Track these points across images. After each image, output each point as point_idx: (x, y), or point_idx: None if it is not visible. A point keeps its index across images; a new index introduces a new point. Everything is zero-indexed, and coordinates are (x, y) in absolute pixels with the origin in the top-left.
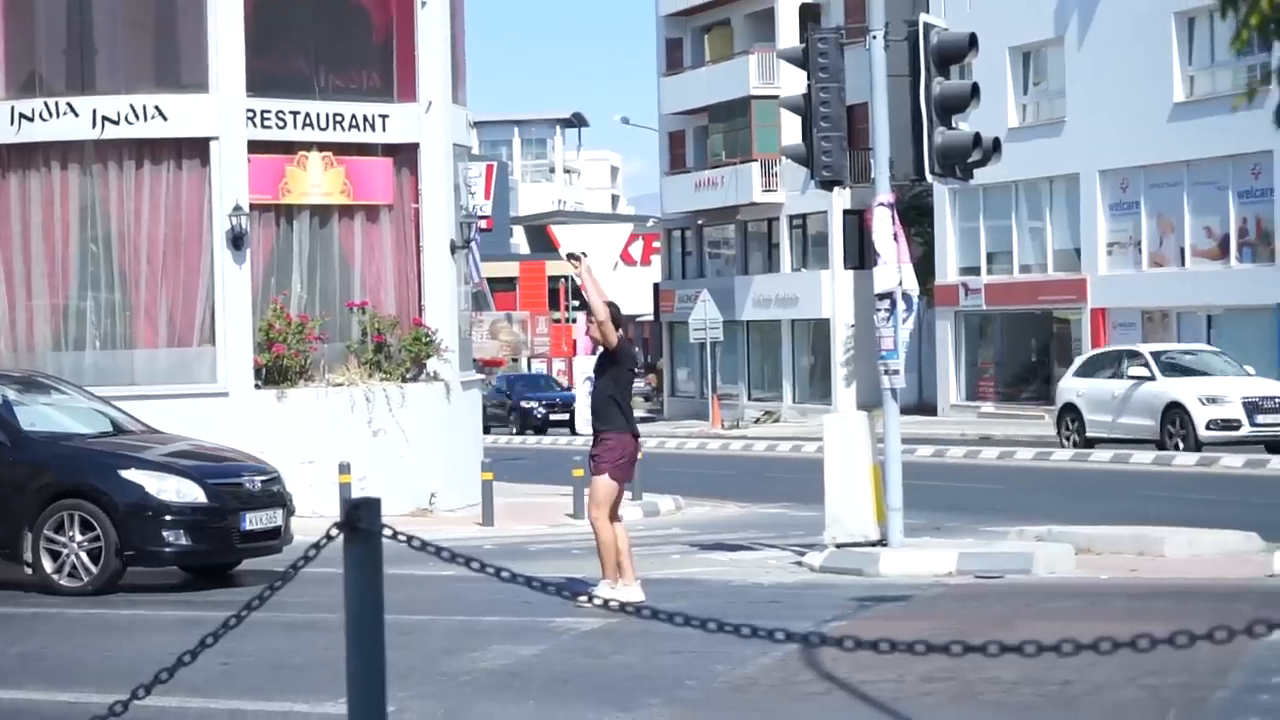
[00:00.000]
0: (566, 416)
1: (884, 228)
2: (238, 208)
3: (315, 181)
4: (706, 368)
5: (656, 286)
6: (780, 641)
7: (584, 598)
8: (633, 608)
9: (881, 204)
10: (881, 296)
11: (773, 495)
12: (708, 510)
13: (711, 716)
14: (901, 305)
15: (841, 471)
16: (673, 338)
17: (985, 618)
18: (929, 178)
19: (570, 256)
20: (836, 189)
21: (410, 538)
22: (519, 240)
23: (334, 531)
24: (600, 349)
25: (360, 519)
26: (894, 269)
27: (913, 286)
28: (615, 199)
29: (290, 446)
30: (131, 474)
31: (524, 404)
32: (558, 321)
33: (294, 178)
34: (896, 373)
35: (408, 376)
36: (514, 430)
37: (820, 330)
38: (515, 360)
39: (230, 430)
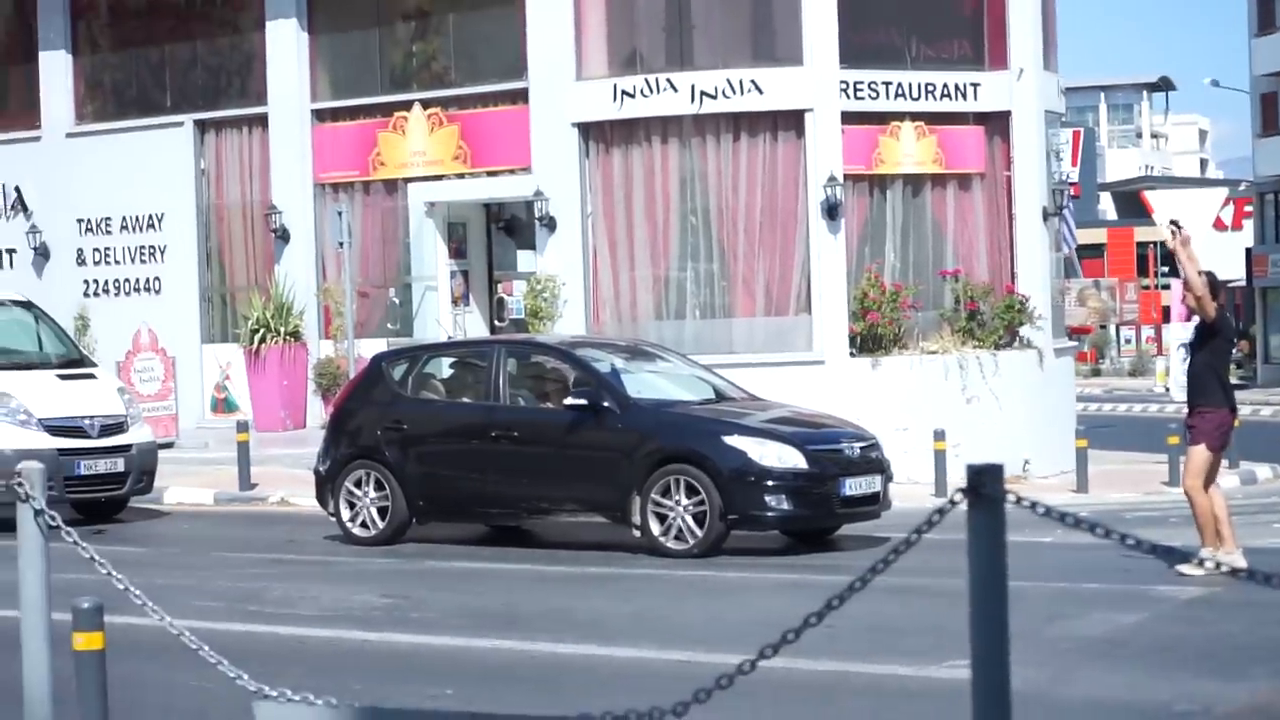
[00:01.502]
0: None
1: None
2: (832, 178)
3: (908, 151)
4: None
5: (1249, 251)
6: None
7: (1188, 565)
8: (1243, 572)
9: None
10: None
11: None
12: None
13: None
14: None
15: None
16: (1265, 303)
17: None
18: None
19: (1172, 223)
20: None
21: (1034, 503)
22: (1106, 206)
23: (958, 497)
24: (1197, 319)
25: (984, 484)
26: None
27: None
28: (1204, 163)
29: (884, 413)
30: (734, 440)
31: None
32: (1146, 288)
33: (887, 147)
34: None
35: (1000, 344)
36: None
37: None
38: (1104, 328)
39: (826, 397)
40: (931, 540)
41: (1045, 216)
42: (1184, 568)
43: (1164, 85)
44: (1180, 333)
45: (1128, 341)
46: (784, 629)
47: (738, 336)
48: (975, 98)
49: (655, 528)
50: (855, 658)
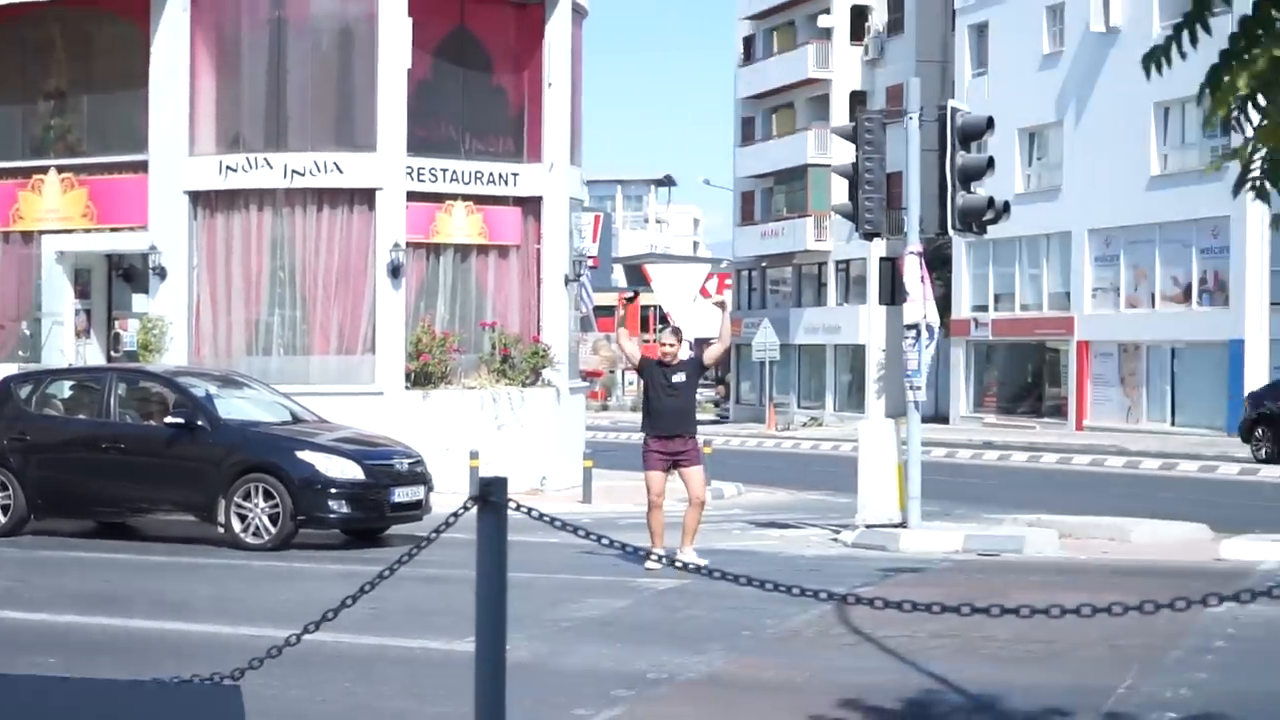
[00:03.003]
0: None
1: (914, 272)
2: (396, 245)
3: (459, 225)
4: (765, 381)
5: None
6: (821, 601)
7: (651, 561)
8: (706, 570)
9: (912, 253)
10: (909, 327)
11: (816, 484)
12: (763, 495)
13: (762, 660)
14: (925, 334)
15: (872, 466)
16: (739, 356)
17: (986, 587)
18: (951, 232)
19: (720, 304)
20: (875, 239)
21: (530, 509)
22: (619, 276)
23: (469, 503)
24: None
25: (491, 493)
26: (920, 305)
27: (934, 319)
28: (696, 244)
29: (432, 436)
30: (305, 454)
31: None
32: (647, 341)
33: (442, 222)
34: (919, 389)
35: (527, 382)
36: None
37: (857, 353)
38: (612, 372)
39: (385, 423)
40: (466, 539)
41: (566, 282)
42: (649, 563)
43: (667, 181)
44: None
45: (631, 383)
46: (338, 609)
47: (314, 370)
48: (515, 184)
49: (237, 526)
50: (395, 634)
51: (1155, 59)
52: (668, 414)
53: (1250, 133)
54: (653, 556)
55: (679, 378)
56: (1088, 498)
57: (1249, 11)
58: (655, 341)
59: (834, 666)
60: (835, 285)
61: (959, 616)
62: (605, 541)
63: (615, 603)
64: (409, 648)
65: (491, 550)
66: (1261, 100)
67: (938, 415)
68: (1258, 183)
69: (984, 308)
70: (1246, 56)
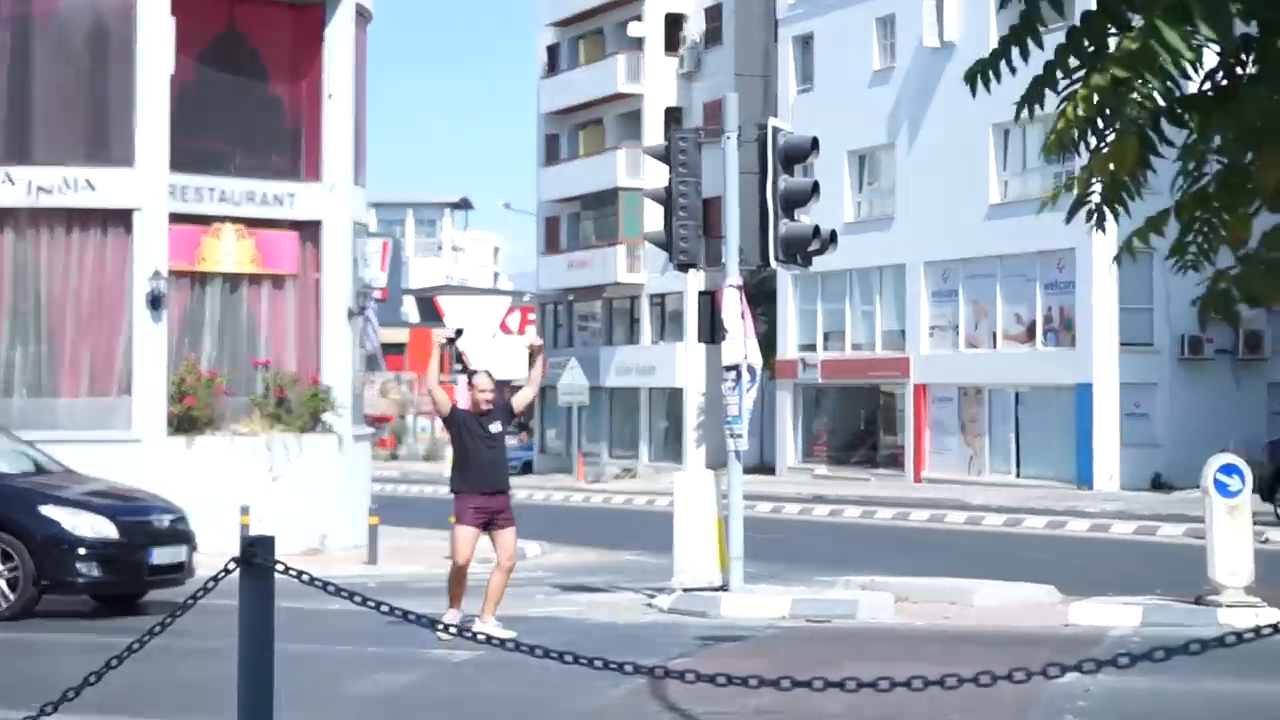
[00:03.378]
0: None
1: (733, 307)
2: (156, 273)
3: (228, 251)
4: (573, 428)
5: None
6: (629, 674)
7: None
8: (499, 641)
9: (731, 286)
10: (729, 368)
11: (628, 544)
12: (570, 555)
13: None
14: (746, 376)
15: (689, 523)
16: (544, 401)
17: (814, 658)
18: (773, 264)
19: (457, 332)
20: (692, 271)
21: (301, 573)
22: (409, 309)
23: (231, 565)
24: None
25: (255, 555)
26: (741, 344)
27: (757, 360)
28: (496, 275)
29: (197, 489)
30: (50, 510)
31: None
32: (442, 382)
33: (209, 247)
34: (741, 436)
35: (305, 428)
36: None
37: (674, 397)
38: (403, 417)
39: (143, 474)
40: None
41: (350, 315)
42: (441, 634)
43: (464, 205)
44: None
45: (423, 429)
46: (88, 685)
47: (61, 415)
48: (291, 206)
49: None
50: (152, 713)
51: (981, 73)
52: (486, 467)
53: (1086, 158)
54: (445, 626)
55: (495, 427)
56: (927, 557)
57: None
58: (469, 385)
59: None
60: (650, 321)
61: (780, 691)
62: (385, 609)
63: (403, 677)
64: None
65: (256, 618)
66: (1100, 123)
67: (763, 465)
68: (1094, 210)
69: (812, 347)
70: (1075, 76)
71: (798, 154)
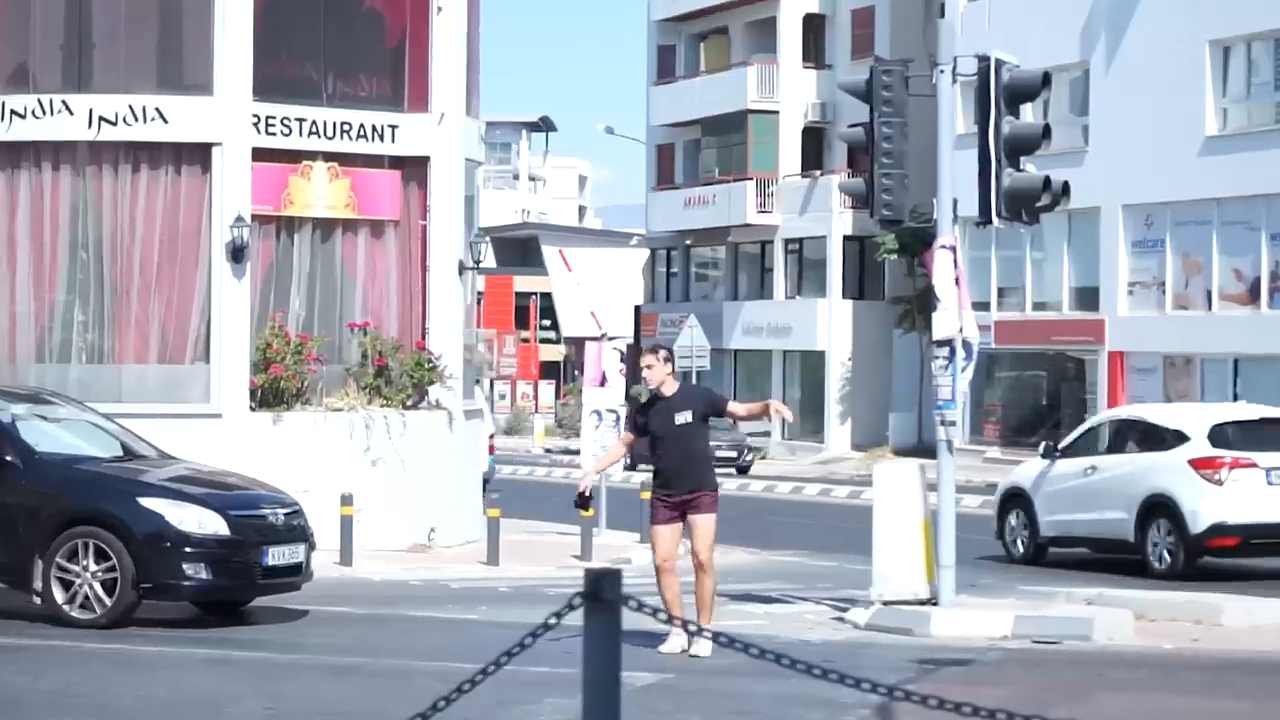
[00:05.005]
0: None
1: (945, 271)
2: (239, 218)
3: (319, 193)
4: None
5: (638, 309)
6: (847, 703)
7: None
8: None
9: (943, 246)
10: (940, 343)
11: (781, 542)
12: (718, 556)
13: None
14: (961, 353)
15: (892, 524)
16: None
17: (1056, 687)
18: (996, 221)
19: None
20: (839, 212)
21: (656, 610)
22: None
23: (576, 601)
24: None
25: (603, 589)
26: (955, 315)
27: (973, 334)
28: (582, 210)
29: (286, 473)
30: (151, 502)
31: None
32: (525, 341)
33: (297, 188)
34: (954, 423)
35: (409, 403)
36: None
37: (813, 363)
38: (478, 381)
39: (223, 454)
40: (352, 615)
41: (462, 270)
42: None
43: (545, 125)
44: (597, 399)
45: (502, 397)
46: (222, 709)
47: (126, 384)
48: (393, 140)
49: (59, 595)
50: None
51: None
52: (674, 464)
53: None
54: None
55: (683, 417)
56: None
57: None
58: (537, 341)
59: None
60: (784, 272)
61: None
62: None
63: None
64: None
65: (602, 657)
66: None
67: (922, 446)
68: None
69: (985, 305)
70: None
71: (1026, 91)
